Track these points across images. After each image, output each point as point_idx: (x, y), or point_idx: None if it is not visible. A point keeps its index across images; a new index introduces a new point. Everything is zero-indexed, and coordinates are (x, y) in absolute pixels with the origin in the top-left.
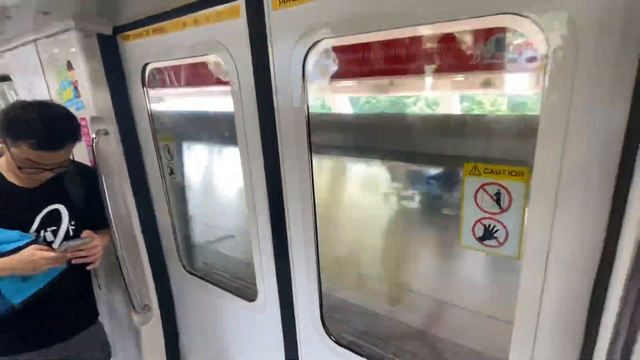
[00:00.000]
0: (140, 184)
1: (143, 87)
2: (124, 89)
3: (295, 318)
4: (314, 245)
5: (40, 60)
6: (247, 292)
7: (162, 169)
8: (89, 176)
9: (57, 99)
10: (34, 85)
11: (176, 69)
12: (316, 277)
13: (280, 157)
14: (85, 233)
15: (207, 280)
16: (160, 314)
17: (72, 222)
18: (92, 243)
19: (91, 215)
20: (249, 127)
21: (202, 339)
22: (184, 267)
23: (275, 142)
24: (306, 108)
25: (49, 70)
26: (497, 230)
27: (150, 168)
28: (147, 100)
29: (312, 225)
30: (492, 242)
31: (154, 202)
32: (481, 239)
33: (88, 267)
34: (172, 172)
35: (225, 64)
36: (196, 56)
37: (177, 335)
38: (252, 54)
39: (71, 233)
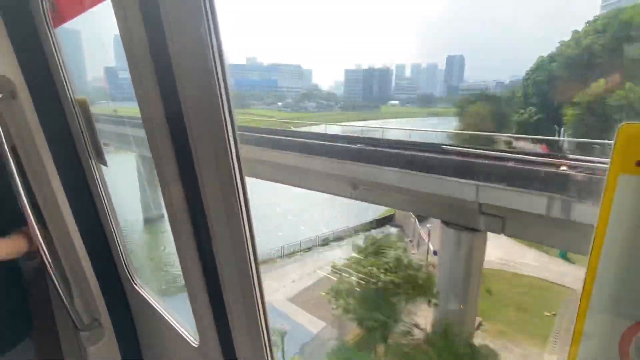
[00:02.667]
0: (71, 167)
1: (46, 24)
2: (33, 32)
3: None
4: (249, 274)
5: None
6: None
7: (87, 145)
8: None
9: None
10: None
11: None
12: (258, 321)
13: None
14: None
15: (154, 303)
16: (115, 331)
17: None
18: None
19: (5, 208)
20: (147, 85)
21: None
22: (130, 279)
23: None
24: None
25: None
26: None
27: (79, 144)
28: (53, 42)
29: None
30: None
31: (92, 192)
32: None
33: None
34: (97, 151)
35: None
36: None
37: (139, 358)
38: None
39: None
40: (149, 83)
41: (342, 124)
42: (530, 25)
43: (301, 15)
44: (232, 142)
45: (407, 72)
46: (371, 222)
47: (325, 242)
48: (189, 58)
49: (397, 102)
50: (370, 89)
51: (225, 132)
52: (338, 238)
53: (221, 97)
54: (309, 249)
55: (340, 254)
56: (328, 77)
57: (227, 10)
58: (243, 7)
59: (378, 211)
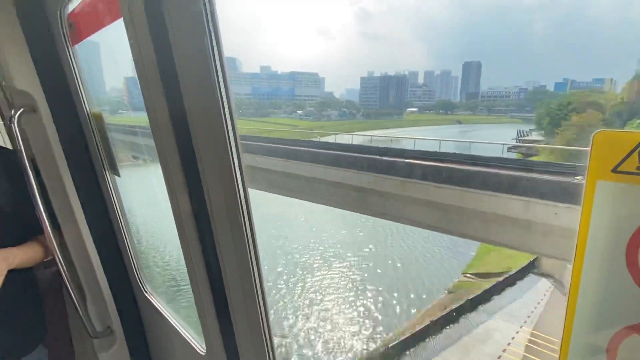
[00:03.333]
0: (87, 178)
1: (65, 42)
2: (52, 50)
3: None
4: (253, 285)
5: None
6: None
7: (102, 157)
8: (18, 167)
9: None
10: None
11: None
12: (261, 331)
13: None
14: None
15: (163, 310)
16: (127, 338)
17: None
18: None
19: (23, 217)
20: (156, 98)
21: None
22: (141, 286)
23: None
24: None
25: None
26: None
27: (94, 156)
28: (71, 59)
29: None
30: None
31: (106, 202)
32: None
33: None
34: (111, 163)
35: None
36: None
37: None
38: None
39: None
40: (157, 94)
41: (379, 133)
42: (540, 29)
43: (312, 23)
44: (234, 152)
45: (420, 79)
46: (517, 274)
47: (473, 307)
48: (193, 71)
49: (415, 109)
50: (387, 96)
51: (228, 142)
52: (484, 299)
53: (223, 109)
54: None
55: (505, 327)
56: (340, 85)
57: (238, 22)
58: (254, 17)
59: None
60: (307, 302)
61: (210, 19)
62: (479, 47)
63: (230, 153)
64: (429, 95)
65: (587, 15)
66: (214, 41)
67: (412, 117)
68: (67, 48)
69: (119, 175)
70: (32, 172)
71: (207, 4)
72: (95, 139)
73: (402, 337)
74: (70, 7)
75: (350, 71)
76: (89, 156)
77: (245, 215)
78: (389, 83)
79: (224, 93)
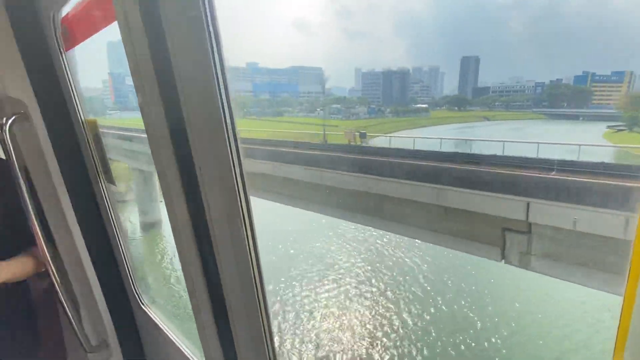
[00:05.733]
0: (81, 187)
1: (58, 47)
2: (45, 55)
3: None
4: (254, 294)
5: None
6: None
7: (97, 165)
8: (8, 177)
9: None
10: None
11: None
12: (264, 343)
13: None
14: None
15: (160, 323)
16: (123, 352)
17: None
18: None
19: (15, 229)
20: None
21: None
22: (138, 298)
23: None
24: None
25: None
26: None
27: (89, 164)
28: (65, 65)
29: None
30: None
31: (101, 212)
32: None
33: None
34: (106, 171)
35: None
36: None
37: None
38: None
39: None
40: (153, 100)
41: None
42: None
43: (292, 19)
44: (235, 157)
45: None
46: None
47: None
48: (192, 73)
49: (425, 105)
50: (390, 93)
51: (229, 147)
52: None
53: (224, 114)
54: None
55: None
56: (327, 83)
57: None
58: (233, 13)
59: None
60: None
61: (210, 22)
62: (466, 42)
63: (231, 159)
64: (426, 92)
65: (562, 13)
66: (214, 43)
67: (440, 114)
68: (61, 53)
69: (114, 184)
70: (24, 181)
71: (207, 7)
72: (89, 147)
73: None
74: (64, 11)
75: (334, 68)
76: (83, 164)
77: (247, 223)
78: (392, 78)
79: (224, 97)
